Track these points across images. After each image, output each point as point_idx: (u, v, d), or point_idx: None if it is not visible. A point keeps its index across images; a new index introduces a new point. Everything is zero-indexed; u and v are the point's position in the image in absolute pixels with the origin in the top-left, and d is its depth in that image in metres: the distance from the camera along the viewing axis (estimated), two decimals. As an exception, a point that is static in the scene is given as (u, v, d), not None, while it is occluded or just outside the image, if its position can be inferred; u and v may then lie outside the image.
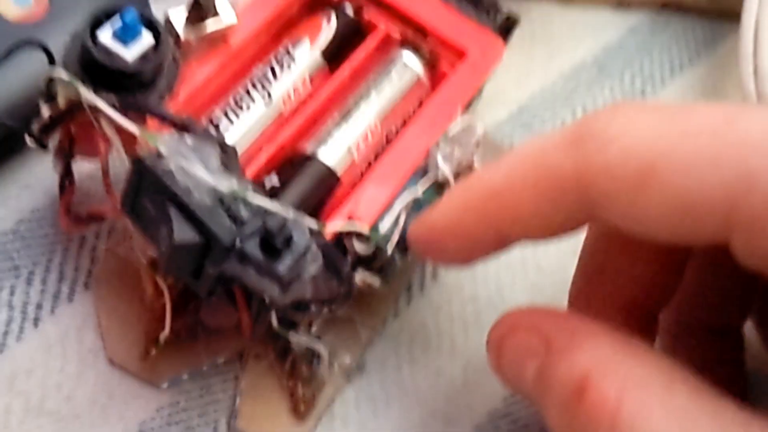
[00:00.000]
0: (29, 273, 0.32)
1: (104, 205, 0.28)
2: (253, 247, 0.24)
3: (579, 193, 0.22)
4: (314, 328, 0.29)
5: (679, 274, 0.26)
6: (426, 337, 0.32)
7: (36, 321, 0.31)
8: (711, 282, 0.28)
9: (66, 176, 0.29)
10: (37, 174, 0.33)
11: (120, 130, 0.26)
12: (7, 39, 0.27)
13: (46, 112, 0.27)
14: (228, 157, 0.26)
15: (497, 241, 0.25)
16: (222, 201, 0.24)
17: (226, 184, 0.24)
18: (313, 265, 0.25)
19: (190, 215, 0.24)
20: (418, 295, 0.33)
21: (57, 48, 0.27)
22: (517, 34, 0.34)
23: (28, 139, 0.27)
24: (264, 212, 0.25)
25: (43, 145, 0.27)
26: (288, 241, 0.24)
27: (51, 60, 0.27)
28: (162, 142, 0.24)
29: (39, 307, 0.31)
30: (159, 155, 0.24)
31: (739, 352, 0.29)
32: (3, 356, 0.30)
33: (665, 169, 0.20)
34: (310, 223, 0.25)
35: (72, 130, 0.28)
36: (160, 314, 0.29)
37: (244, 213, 0.24)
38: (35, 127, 0.27)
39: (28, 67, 0.28)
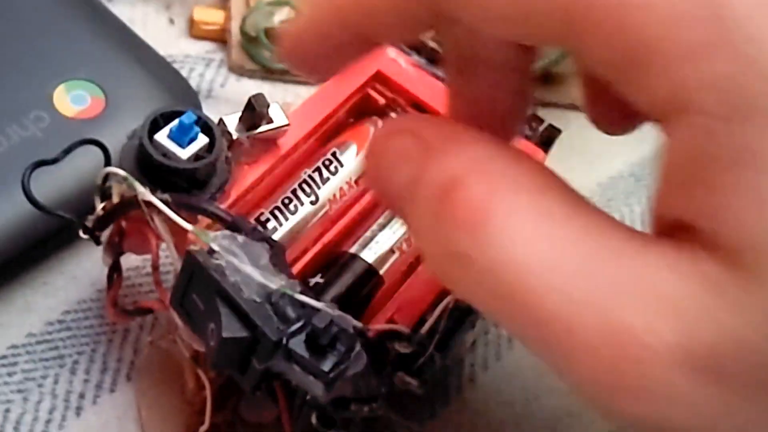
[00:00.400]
0: (73, 363, 0.32)
1: (152, 299, 0.29)
2: (298, 345, 0.25)
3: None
4: (354, 427, 0.29)
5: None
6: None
7: (78, 410, 0.31)
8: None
9: (114, 269, 0.30)
10: (85, 266, 0.34)
11: (172, 227, 0.27)
12: (64, 136, 0.29)
13: (100, 207, 0.28)
14: (276, 255, 0.26)
15: (361, 43, 0.23)
16: (270, 298, 0.25)
17: (275, 282, 0.25)
18: (357, 365, 0.25)
19: (238, 311, 0.25)
20: (456, 396, 0.33)
21: (112, 145, 0.29)
22: (555, 144, 0.35)
23: (81, 233, 0.28)
24: (310, 310, 0.25)
25: (96, 239, 0.28)
26: (333, 340, 0.25)
27: (106, 156, 0.28)
28: (213, 240, 0.25)
29: (82, 396, 0.32)
30: (210, 252, 0.25)
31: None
32: (45, 445, 0.30)
33: None
34: (354, 322, 0.26)
35: (123, 226, 0.29)
36: (201, 408, 0.29)
37: (290, 311, 0.25)
38: (89, 221, 0.28)
39: (84, 163, 0.29)
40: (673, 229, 0.19)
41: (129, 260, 0.32)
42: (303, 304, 0.25)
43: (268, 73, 0.40)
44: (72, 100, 0.33)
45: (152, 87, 0.35)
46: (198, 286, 0.25)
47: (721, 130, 0.18)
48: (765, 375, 0.18)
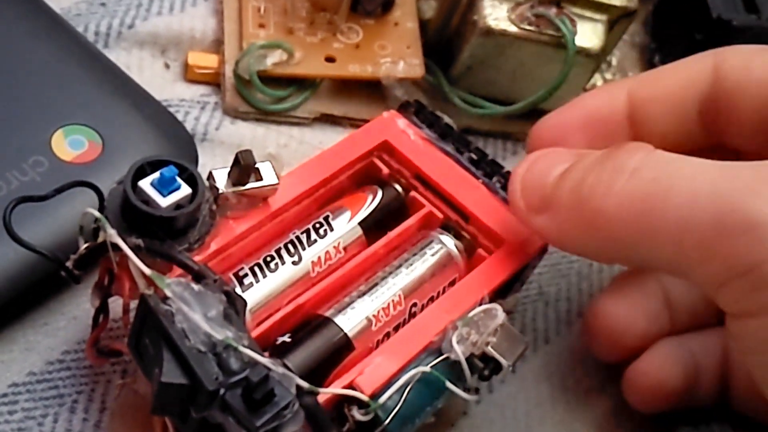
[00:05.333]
0: (73, 402, 0.33)
1: (123, 342, 0.30)
2: (234, 398, 0.25)
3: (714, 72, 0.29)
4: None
5: None
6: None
7: (77, 449, 0.32)
8: None
9: (101, 311, 0.31)
10: (84, 307, 0.35)
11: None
12: (62, 180, 0.29)
13: (83, 247, 0.29)
14: (235, 308, 0.27)
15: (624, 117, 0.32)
16: (214, 348, 0.25)
17: (221, 333, 0.25)
18: (293, 423, 0.25)
19: (181, 358, 0.25)
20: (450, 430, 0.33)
21: (108, 188, 0.29)
22: None
23: (62, 272, 0.29)
24: (254, 366, 0.25)
25: (75, 278, 0.29)
26: (269, 395, 0.25)
27: (100, 198, 0.29)
28: (167, 285, 0.26)
29: (80, 435, 0.32)
30: (164, 297, 0.26)
31: None
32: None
33: None
34: (300, 382, 0.26)
35: (111, 268, 0.30)
36: (165, 455, 0.29)
37: (233, 363, 0.25)
38: (70, 260, 0.29)
39: (80, 206, 0.30)
40: None
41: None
42: (249, 360, 0.25)
43: (262, 115, 0.41)
44: (70, 144, 0.34)
45: (148, 131, 0.36)
46: (149, 330, 0.26)
47: None
48: None
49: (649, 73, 0.32)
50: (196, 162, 0.37)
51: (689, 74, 0.30)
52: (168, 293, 0.26)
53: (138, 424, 0.31)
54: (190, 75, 0.42)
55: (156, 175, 0.28)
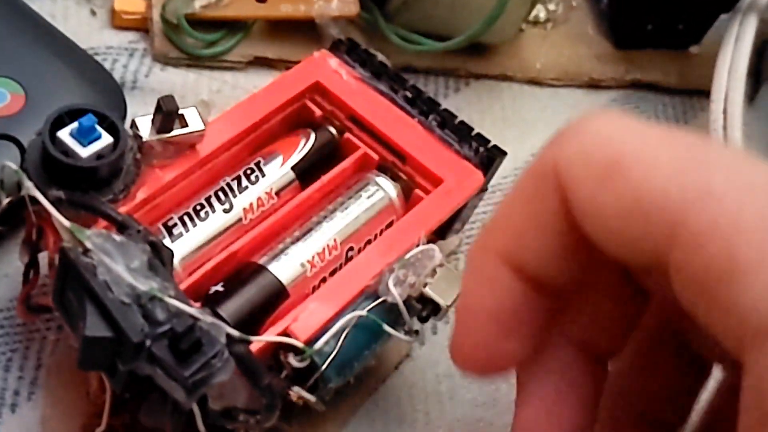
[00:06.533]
0: (7, 360, 0.32)
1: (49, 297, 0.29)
2: (161, 349, 0.24)
3: (556, 188, 0.21)
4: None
5: (631, 325, 0.25)
6: (401, 413, 0.32)
7: (13, 407, 0.31)
8: (653, 362, 0.26)
9: (30, 267, 0.30)
10: (16, 265, 0.34)
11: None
12: (-18, 132, 0.28)
13: (4, 201, 0.28)
14: (161, 259, 0.26)
15: (523, 289, 0.23)
16: (139, 300, 0.25)
17: (145, 284, 0.25)
18: (223, 372, 0.25)
19: (104, 311, 0.24)
20: (393, 372, 0.33)
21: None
22: (488, 117, 0.34)
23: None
24: (181, 316, 0.25)
25: (-2, 233, 0.28)
26: (196, 345, 0.24)
27: (22, 152, 0.29)
28: (87, 237, 0.25)
29: (17, 393, 0.32)
30: (85, 250, 0.25)
31: None
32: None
33: (630, 167, 0.20)
34: (230, 330, 0.25)
35: (37, 222, 0.29)
36: (101, 409, 0.29)
37: (160, 314, 0.25)
38: (-7, 215, 0.28)
39: (2, 159, 0.29)
40: None
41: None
42: (176, 310, 0.25)
43: (193, 60, 0.40)
44: (-9, 95, 0.33)
45: (73, 81, 0.35)
46: (71, 283, 0.25)
47: None
48: None
49: (493, 222, 0.24)
50: (125, 111, 0.36)
51: (533, 209, 0.23)
52: (88, 245, 0.25)
53: (75, 378, 0.31)
54: (117, 21, 0.40)
55: (75, 125, 0.28)
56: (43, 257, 0.30)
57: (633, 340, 0.25)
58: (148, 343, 0.24)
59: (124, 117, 0.35)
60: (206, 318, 0.25)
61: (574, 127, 0.22)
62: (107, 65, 0.39)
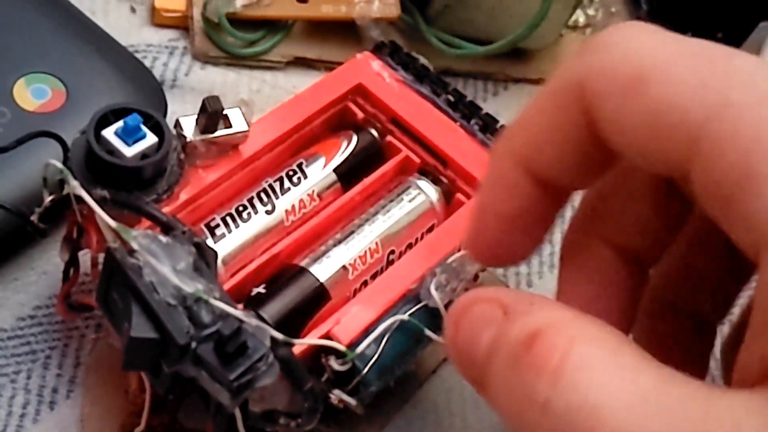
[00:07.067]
0: (46, 358, 0.32)
1: (92, 296, 0.29)
2: (207, 351, 0.24)
3: (580, 99, 0.22)
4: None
5: (673, 232, 0.26)
6: (438, 418, 0.32)
7: (52, 404, 0.31)
8: (696, 263, 0.27)
9: (71, 265, 0.30)
10: (55, 262, 0.34)
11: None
12: (26, 130, 0.28)
13: (48, 200, 0.28)
14: (205, 260, 0.26)
15: (537, 192, 0.24)
16: (185, 302, 0.25)
17: (191, 286, 0.25)
18: (268, 376, 0.25)
19: (150, 312, 0.24)
20: (431, 376, 0.33)
21: (73, 138, 0.29)
22: None
23: (27, 226, 0.28)
24: (226, 318, 0.25)
25: (40, 232, 0.28)
26: (242, 348, 0.24)
27: (65, 149, 0.28)
28: (133, 238, 0.25)
29: (55, 391, 0.32)
30: (131, 251, 0.25)
31: (706, 355, 0.27)
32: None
33: (655, 80, 0.20)
34: (274, 333, 0.25)
35: (79, 221, 0.29)
36: (140, 409, 0.29)
37: (205, 316, 0.25)
38: (35, 214, 0.28)
39: (44, 157, 0.29)
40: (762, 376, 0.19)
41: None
42: (221, 312, 0.25)
43: (232, 59, 0.40)
44: (32, 93, 0.33)
45: (114, 78, 0.35)
46: (117, 284, 0.25)
47: None
48: None
49: (514, 129, 0.24)
50: (165, 109, 0.36)
51: (554, 120, 0.23)
52: (134, 246, 0.25)
53: (114, 378, 0.31)
54: (157, 19, 0.40)
55: (120, 123, 0.28)
56: (83, 255, 0.30)
57: (677, 243, 0.26)
58: (193, 345, 0.24)
59: (164, 116, 0.35)
60: (251, 321, 0.25)
61: (600, 41, 0.22)
62: (147, 63, 0.39)
